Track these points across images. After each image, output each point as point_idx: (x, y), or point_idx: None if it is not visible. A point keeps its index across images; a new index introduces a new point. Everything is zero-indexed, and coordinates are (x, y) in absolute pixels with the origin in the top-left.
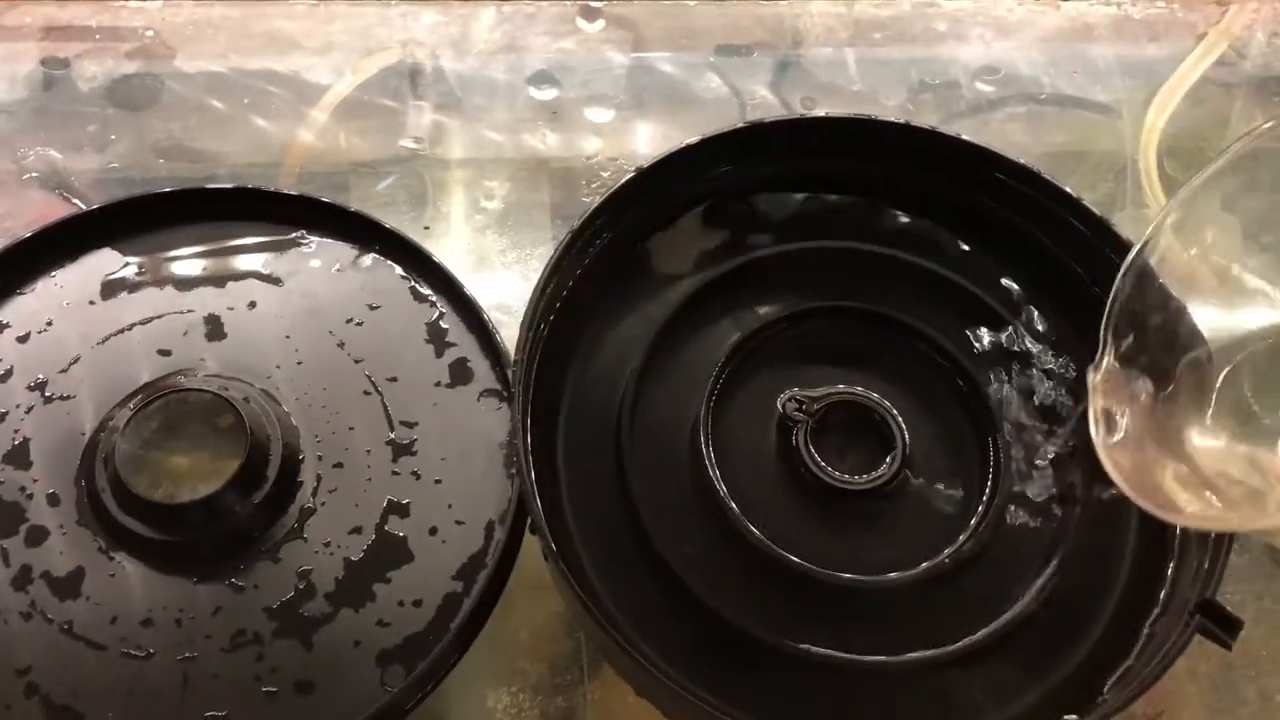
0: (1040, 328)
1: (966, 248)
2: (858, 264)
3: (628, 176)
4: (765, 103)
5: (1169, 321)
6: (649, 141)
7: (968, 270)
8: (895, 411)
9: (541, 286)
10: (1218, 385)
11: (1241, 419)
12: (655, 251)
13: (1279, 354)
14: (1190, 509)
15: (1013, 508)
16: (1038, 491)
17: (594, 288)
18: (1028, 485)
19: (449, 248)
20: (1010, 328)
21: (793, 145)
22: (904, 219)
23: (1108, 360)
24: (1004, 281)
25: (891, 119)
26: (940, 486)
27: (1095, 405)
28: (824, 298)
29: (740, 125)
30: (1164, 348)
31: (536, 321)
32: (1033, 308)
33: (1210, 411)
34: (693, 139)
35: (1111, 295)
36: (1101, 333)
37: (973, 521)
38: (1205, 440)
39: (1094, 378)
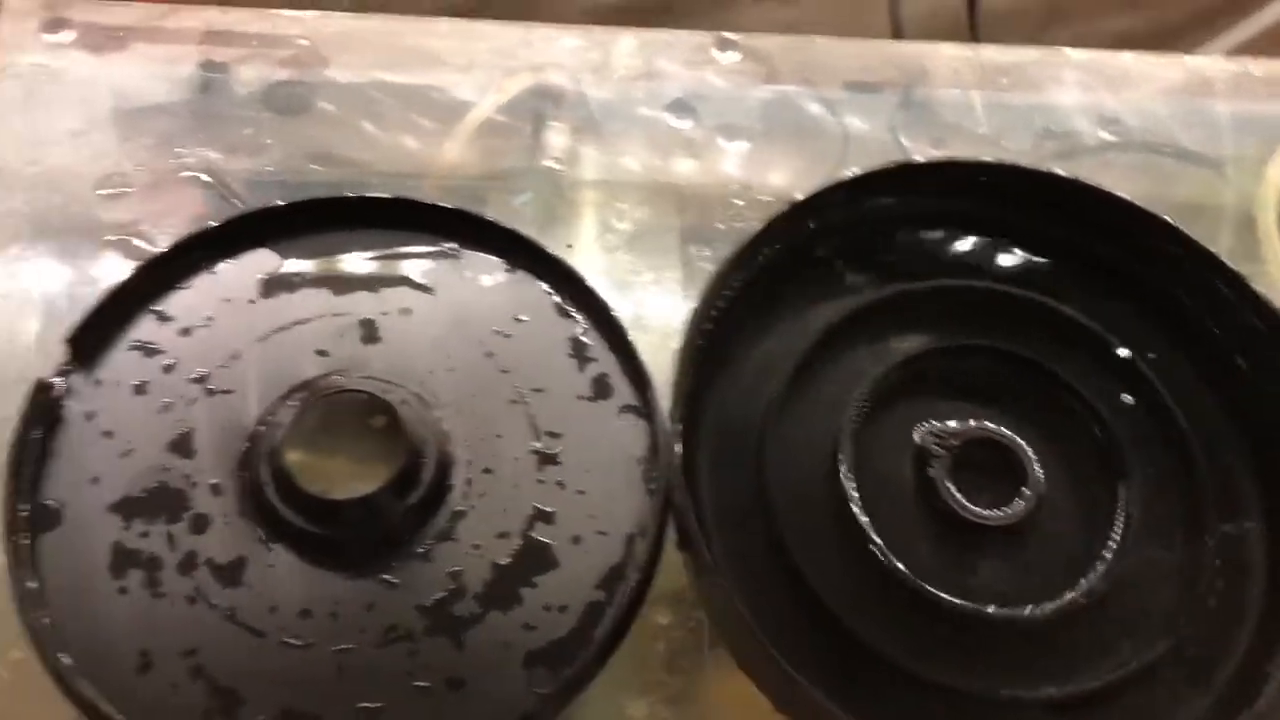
0: (1175, 382)
1: (1106, 297)
2: (998, 305)
3: (783, 208)
4: (893, 140)
5: None
6: (781, 172)
7: (1108, 320)
8: (1030, 450)
9: (702, 310)
10: None
11: None
12: (800, 281)
13: None
14: None
15: (1143, 551)
16: (1168, 536)
17: (743, 313)
18: (1158, 528)
19: (581, 265)
20: (1146, 380)
21: (940, 185)
22: (1045, 264)
23: None
24: (1143, 334)
25: (1038, 168)
26: (1071, 526)
27: None
28: (964, 336)
29: (892, 164)
30: None
31: (694, 344)
32: (1170, 364)
33: None
34: (847, 174)
35: None
36: None
37: (1103, 563)
38: None
39: None
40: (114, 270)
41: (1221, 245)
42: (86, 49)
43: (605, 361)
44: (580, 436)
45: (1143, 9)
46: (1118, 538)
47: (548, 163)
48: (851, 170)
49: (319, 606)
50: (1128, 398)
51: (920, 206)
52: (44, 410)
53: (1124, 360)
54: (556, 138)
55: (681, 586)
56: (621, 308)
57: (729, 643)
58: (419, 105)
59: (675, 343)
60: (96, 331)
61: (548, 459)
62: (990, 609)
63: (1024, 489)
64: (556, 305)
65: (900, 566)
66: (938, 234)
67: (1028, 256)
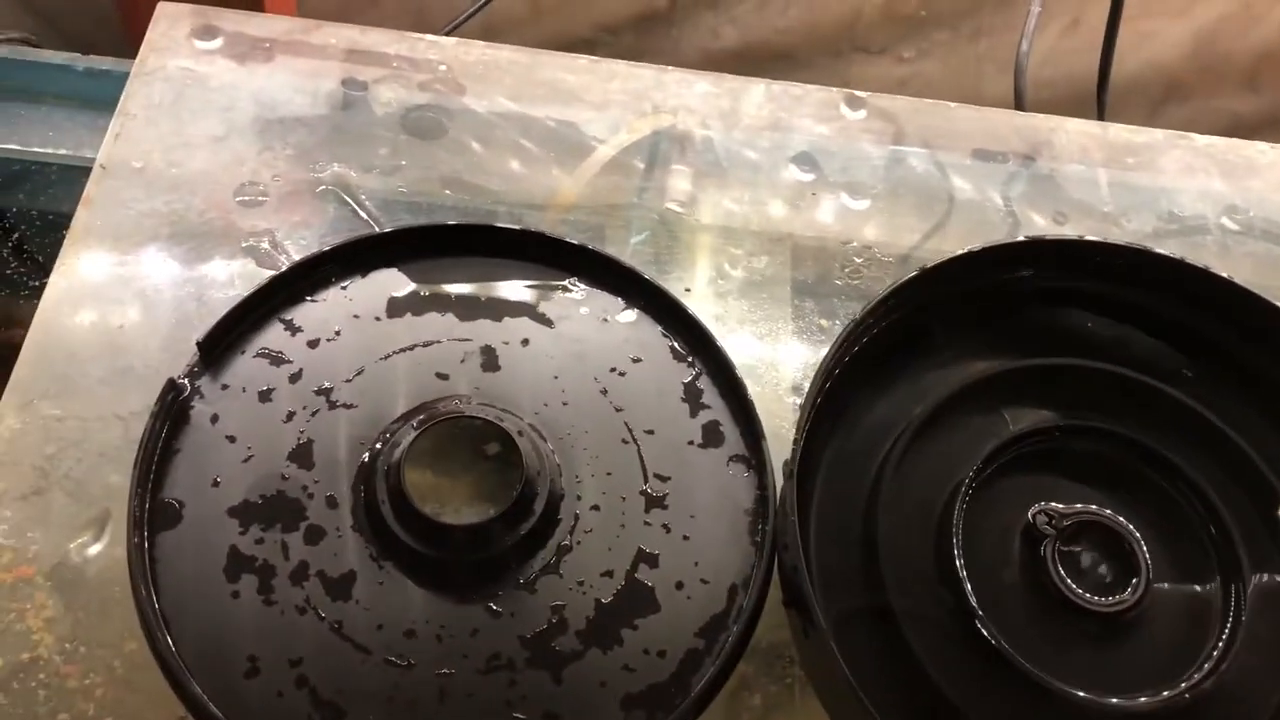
0: None
1: (1229, 389)
2: (1117, 388)
3: (912, 274)
4: (1016, 211)
5: None
6: (901, 233)
7: (1229, 413)
8: (1141, 538)
9: (828, 366)
10: None
11: None
12: (920, 347)
13: None
14: None
15: (1250, 654)
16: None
17: (863, 373)
18: (1269, 632)
19: (696, 310)
20: (1265, 479)
21: (1066, 263)
22: (1169, 351)
23: None
24: (1263, 429)
25: (1167, 253)
26: (1177, 621)
27: None
28: (1080, 416)
29: (1024, 239)
30: None
31: (814, 402)
32: None
33: None
34: (976, 246)
35: None
36: None
37: (1208, 661)
38: None
39: None
40: (246, 277)
41: None
42: (233, 58)
43: (718, 409)
44: (689, 482)
45: (1262, 92)
46: (1226, 637)
47: (669, 205)
48: (971, 238)
49: (424, 628)
50: (1242, 492)
51: (1047, 282)
52: (172, 409)
53: (1237, 449)
54: (678, 181)
55: (779, 641)
56: (732, 355)
57: (828, 705)
58: (549, 138)
59: (784, 394)
60: (227, 336)
61: (655, 501)
62: (1093, 697)
63: (1134, 578)
64: (673, 349)
65: (1001, 643)
66: (1061, 311)
67: (1150, 340)
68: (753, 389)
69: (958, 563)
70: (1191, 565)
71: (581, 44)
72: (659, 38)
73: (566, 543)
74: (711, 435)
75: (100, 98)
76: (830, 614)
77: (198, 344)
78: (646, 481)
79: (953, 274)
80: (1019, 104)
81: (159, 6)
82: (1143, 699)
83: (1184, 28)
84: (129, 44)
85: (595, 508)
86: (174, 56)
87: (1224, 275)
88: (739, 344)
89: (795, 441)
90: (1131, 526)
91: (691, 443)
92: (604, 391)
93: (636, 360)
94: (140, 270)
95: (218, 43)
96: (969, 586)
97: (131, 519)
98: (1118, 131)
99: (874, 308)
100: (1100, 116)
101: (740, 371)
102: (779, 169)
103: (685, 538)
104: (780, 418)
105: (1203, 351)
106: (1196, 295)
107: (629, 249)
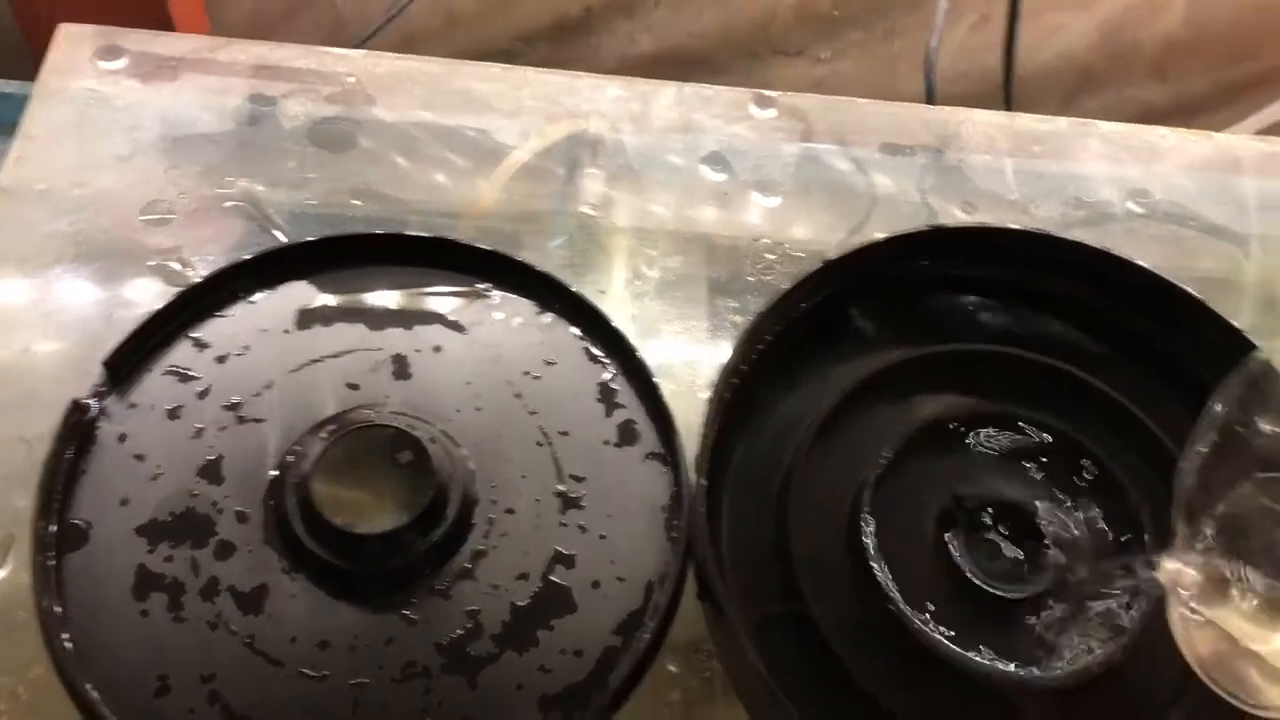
0: None
1: (1130, 366)
2: (1023, 371)
3: (816, 266)
4: (923, 202)
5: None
6: (812, 228)
7: (1131, 389)
8: (1052, 518)
9: (734, 362)
10: None
11: None
12: (828, 339)
13: None
14: None
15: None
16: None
17: (771, 367)
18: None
19: (611, 311)
20: (1168, 452)
21: (972, 250)
22: (1071, 332)
23: (1182, 547)
24: (1166, 404)
25: (1069, 237)
26: (1094, 592)
27: (1170, 591)
28: (988, 400)
29: (927, 228)
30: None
31: (723, 396)
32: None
33: None
34: (881, 236)
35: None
36: (1173, 517)
37: (1118, 632)
38: None
39: (1165, 568)
40: (153, 295)
41: (1244, 321)
42: (137, 77)
43: (632, 408)
44: (604, 481)
45: (1170, 81)
46: (1136, 608)
47: (583, 208)
48: (881, 231)
49: (338, 639)
50: (1149, 466)
51: (951, 270)
52: (77, 430)
53: (1146, 430)
54: (592, 184)
55: (698, 636)
56: (649, 354)
57: (742, 695)
58: (460, 146)
59: (700, 392)
60: (133, 355)
61: (571, 502)
62: (1003, 668)
63: (1042, 558)
64: (586, 350)
65: (915, 628)
66: (967, 298)
67: (1056, 323)
68: (670, 387)
69: (868, 546)
70: (1103, 544)
71: (499, 54)
72: (576, 46)
73: (481, 547)
74: (627, 434)
75: (2, 120)
76: (743, 606)
77: (104, 363)
78: (562, 482)
79: (856, 265)
80: (930, 99)
81: (61, 27)
82: (1053, 671)
83: (1090, 19)
84: (32, 66)
85: (510, 511)
86: (77, 77)
87: (1125, 256)
88: (656, 344)
89: (703, 436)
90: (1045, 507)
91: (607, 442)
92: (518, 395)
93: (550, 363)
94: (46, 292)
95: (122, 62)
96: (879, 569)
97: (36, 541)
98: (1024, 121)
99: (777, 303)
100: (1008, 108)
101: (657, 370)
102: (691, 170)
103: (602, 537)
104: (697, 415)
105: (1107, 333)
106: (1099, 277)
107: (545, 254)
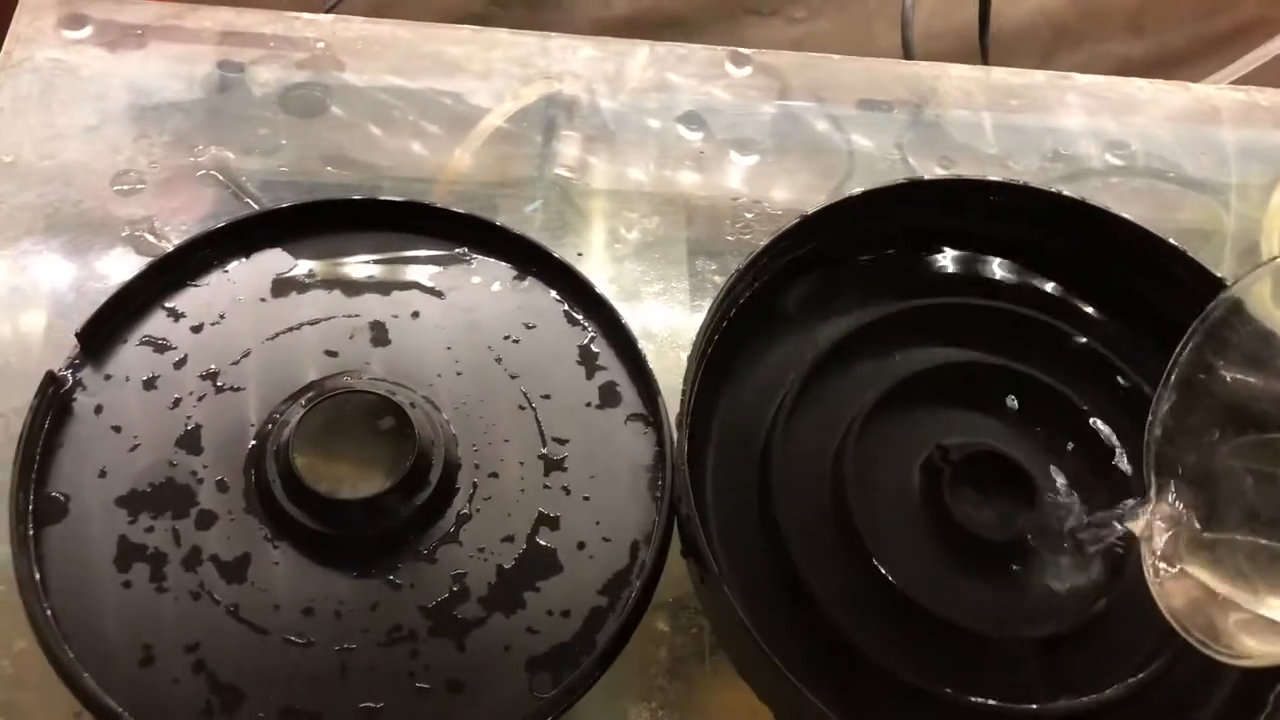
0: None
1: (1111, 318)
2: (1004, 324)
3: (795, 221)
4: (901, 158)
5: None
6: (791, 188)
7: (1112, 340)
8: (1033, 466)
9: (713, 321)
10: None
11: None
12: (808, 296)
13: None
14: (1259, 651)
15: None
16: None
17: (751, 325)
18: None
19: (591, 274)
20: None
21: (949, 203)
22: (1053, 284)
23: (1154, 499)
24: (1146, 355)
25: (1047, 188)
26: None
27: (1144, 543)
28: (970, 353)
29: (903, 181)
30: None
31: (703, 354)
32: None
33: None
34: (858, 190)
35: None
36: (1145, 469)
37: (1101, 582)
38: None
39: (1138, 520)
40: (126, 266)
41: (1225, 270)
42: (103, 46)
43: (614, 370)
44: (587, 443)
45: (1148, 35)
46: (1119, 561)
47: (559, 171)
48: (859, 187)
49: (322, 605)
50: (1126, 413)
51: (929, 224)
52: (53, 403)
53: (1128, 381)
54: (568, 147)
55: (683, 594)
56: (629, 317)
57: (730, 651)
58: (433, 111)
59: (682, 352)
60: (107, 326)
61: (554, 465)
62: (984, 628)
63: (1027, 506)
64: (566, 313)
65: (899, 581)
66: (946, 252)
67: (1035, 276)
68: (650, 348)
69: (851, 501)
70: (1086, 490)
71: (473, 18)
72: (550, 9)
73: (465, 511)
74: (609, 396)
75: None
76: (728, 562)
77: (77, 335)
78: (545, 445)
79: (834, 221)
80: (907, 56)
81: None
82: (1038, 628)
83: None
84: None
85: (494, 475)
86: (41, 47)
87: (1104, 207)
88: (636, 305)
89: (683, 394)
90: (1025, 455)
91: (589, 404)
92: (498, 359)
93: (530, 327)
94: (15, 265)
95: (87, 31)
96: (861, 525)
97: (14, 515)
98: (1000, 75)
99: (755, 259)
100: (984, 63)
101: (637, 331)
102: (667, 130)
103: (586, 498)
104: (678, 376)
105: (1088, 285)
106: (1079, 229)
107: (522, 218)
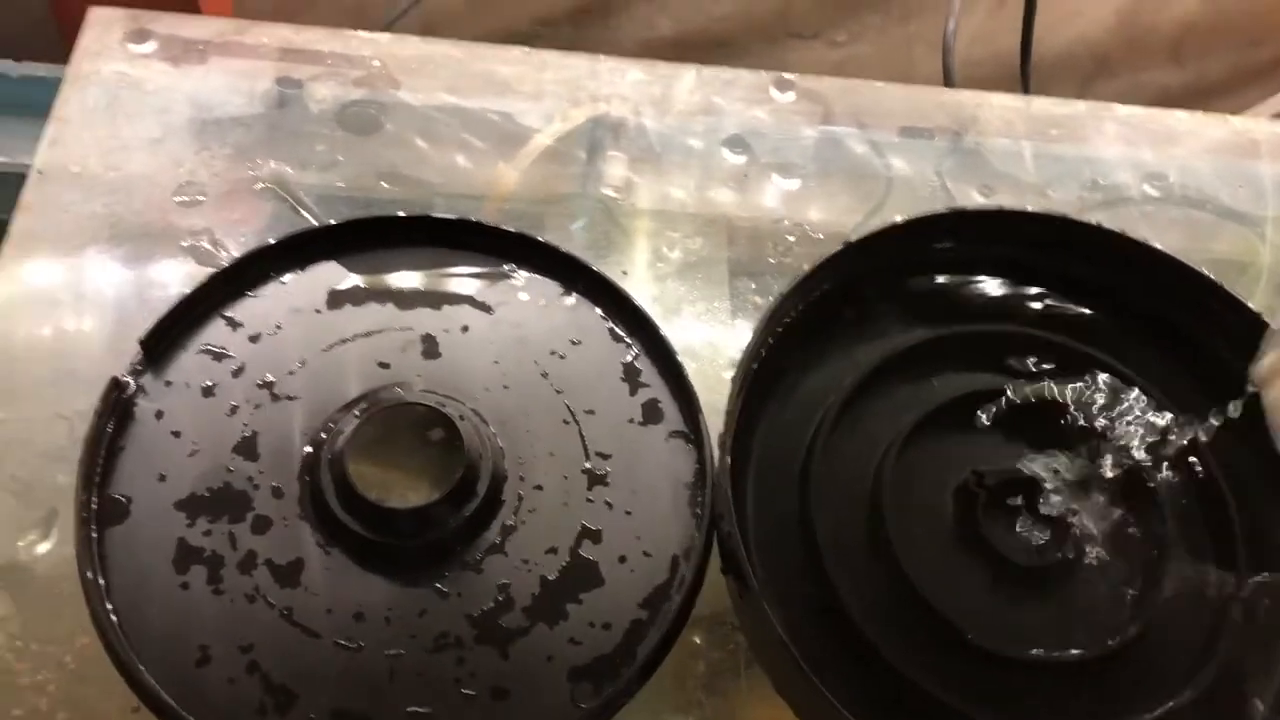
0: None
1: (1146, 347)
2: (1039, 351)
3: (838, 248)
4: (941, 185)
5: None
6: (830, 210)
7: (1147, 369)
8: (1067, 491)
9: (757, 341)
10: None
11: None
12: (849, 319)
13: None
14: None
15: (1176, 599)
16: (1201, 584)
17: (794, 347)
18: (1192, 577)
19: (634, 292)
20: (1185, 428)
21: (991, 232)
22: (1089, 313)
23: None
24: (1180, 385)
25: (1085, 219)
26: (1109, 567)
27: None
28: (1007, 380)
29: (946, 210)
30: None
31: (746, 376)
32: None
33: None
34: (900, 218)
35: None
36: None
37: (1139, 604)
38: None
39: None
40: (186, 276)
41: (1258, 302)
42: (167, 60)
43: (656, 387)
44: (629, 458)
45: (1188, 65)
46: (1152, 584)
47: (605, 190)
48: (899, 213)
49: (372, 611)
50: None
51: (971, 252)
52: (116, 407)
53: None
54: (614, 167)
55: (722, 609)
56: (671, 335)
57: (767, 667)
58: (485, 130)
59: (722, 371)
60: (169, 334)
61: (597, 479)
62: (1021, 651)
63: (1061, 532)
64: (610, 330)
65: (936, 603)
66: (986, 279)
67: (1072, 304)
68: (692, 366)
69: (888, 522)
70: (1121, 518)
71: (519, 38)
72: (596, 30)
73: (511, 523)
74: (651, 413)
75: (36, 104)
76: (766, 578)
77: (140, 342)
78: (588, 460)
79: (877, 247)
80: (948, 82)
81: (91, 11)
82: (1071, 652)
83: (1108, 3)
84: (64, 49)
85: (539, 487)
86: (108, 61)
87: (1140, 239)
88: (678, 324)
89: (728, 413)
90: (1059, 483)
91: (632, 421)
92: (544, 374)
93: (576, 343)
94: (81, 273)
95: (151, 46)
96: (898, 546)
97: (79, 515)
98: (1041, 104)
99: (800, 283)
100: (1025, 92)
101: (679, 350)
102: (712, 152)
103: (628, 513)
104: (719, 393)
105: (1123, 314)
106: (1115, 259)
107: (569, 236)
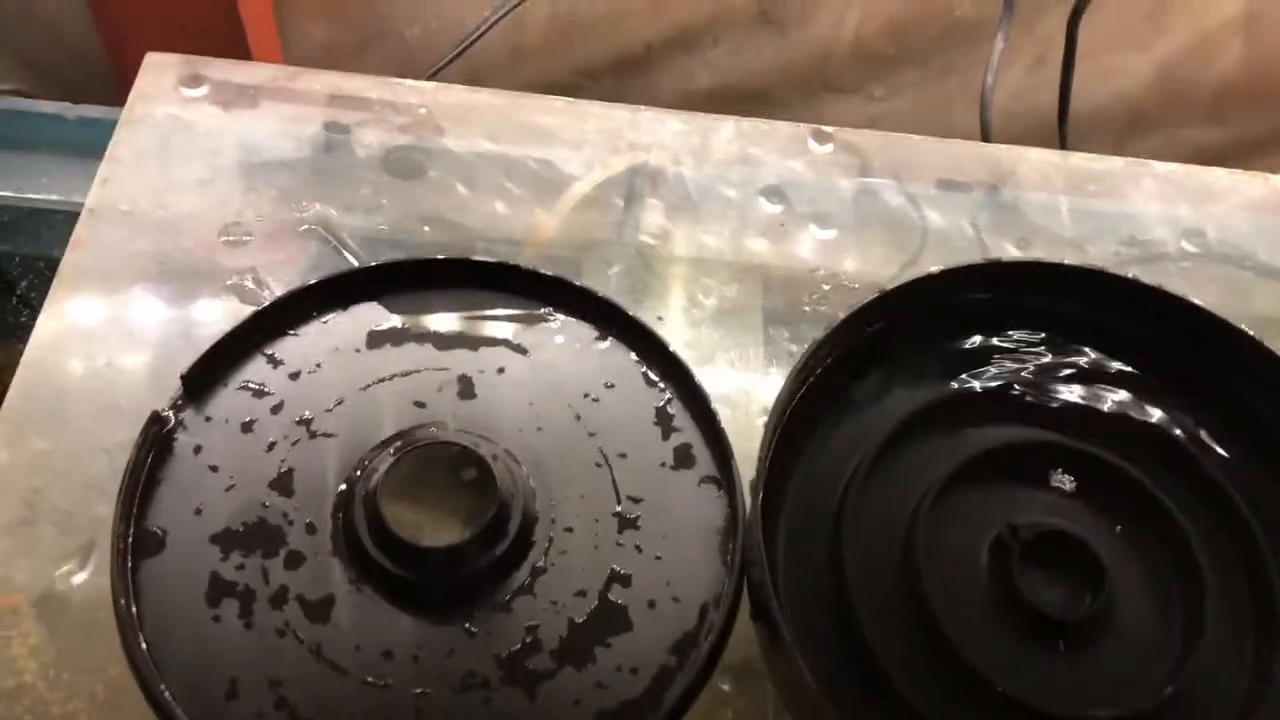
0: (1249, 491)
1: (1185, 403)
2: (1075, 406)
3: (872, 297)
4: (978, 237)
5: None
6: (864, 260)
7: (1186, 425)
8: (1103, 548)
9: (791, 389)
10: None
11: None
12: (882, 369)
13: None
14: None
15: (1214, 658)
16: (1240, 644)
17: (827, 395)
18: (1230, 636)
19: (669, 337)
20: (1220, 488)
21: (1027, 285)
22: (1127, 369)
23: None
24: (1219, 441)
25: (1123, 274)
26: (1144, 629)
27: None
28: (1043, 433)
29: (982, 262)
30: None
31: (779, 423)
32: (1245, 472)
33: None
34: (936, 269)
35: None
36: None
37: (1173, 666)
38: None
39: None
40: (230, 313)
41: None
42: (219, 104)
43: (689, 432)
44: (660, 503)
45: (1227, 123)
46: (1190, 644)
47: (642, 237)
48: (935, 265)
49: (401, 649)
50: (1199, 501)
51: (1006, 304)
52: (156, 441)
53: (1200, 467)
54: (652, 214)
55: (749, 657)
56: (705, 381)
57: (797, 716)
58: (526, 177)
59: (755, 418)
60: (210, 370)
61: (628, 523)
62: (1055, 707)
63: (1097, 587)
64: (644, 374)
65: (970, 656)
66: (1022, 333)
67: (1108, 358)
68: (725, 413)
69: (922, 575)
70: (1156, 574)
71: (561, 88)
72: (637, 81)
73: (541, 564)
74: (683, 457)
75: (92, 145)
76: (797, 627)
77: (181, 378)
78: (619, 503)
79: (911, 297)
80: (985, 137)
81: (147, 56)
82: (1104, 711)
83: (1146, 61)
84: (119, 93)
85: (569, 530)
86: (161, 104)
87: (1178, 294)
88: (712, 370)
89: (760, 460)
90: (1095, 538)
91: (663, 465)
92: (578, 417)
93: (610, 386)
94: (128, 309)
95: (204, 90)
96: (933, 599)
97: (115, 547)
98: (1078, 160)
99: (833, 332)
100: (1062, 147)
101: (713, 396)
102: (749, 202)
103: (657, 557)
104: (752, 440)
105: (1160, 370)
106: (1152, 314)
107: (604, 280)
